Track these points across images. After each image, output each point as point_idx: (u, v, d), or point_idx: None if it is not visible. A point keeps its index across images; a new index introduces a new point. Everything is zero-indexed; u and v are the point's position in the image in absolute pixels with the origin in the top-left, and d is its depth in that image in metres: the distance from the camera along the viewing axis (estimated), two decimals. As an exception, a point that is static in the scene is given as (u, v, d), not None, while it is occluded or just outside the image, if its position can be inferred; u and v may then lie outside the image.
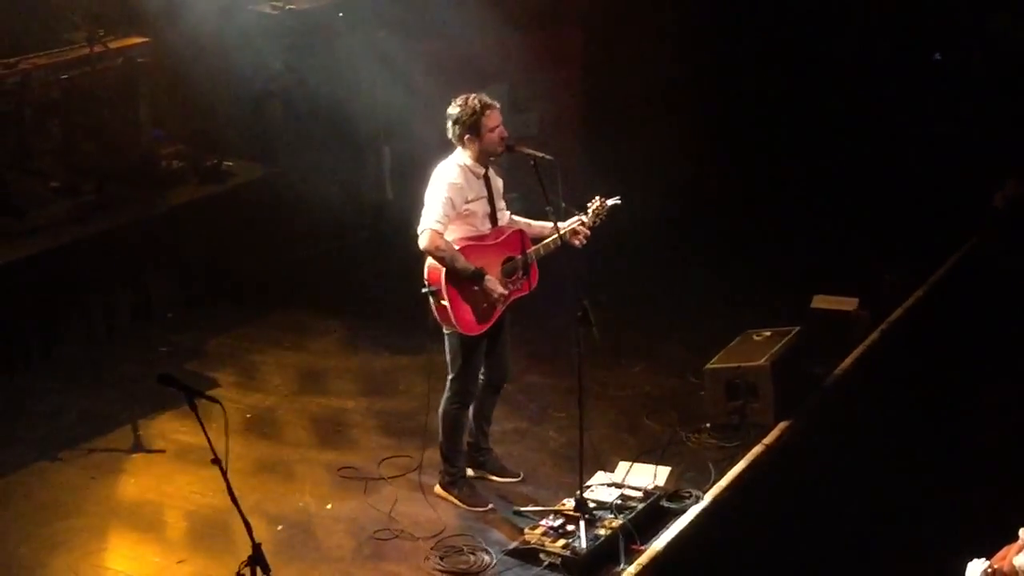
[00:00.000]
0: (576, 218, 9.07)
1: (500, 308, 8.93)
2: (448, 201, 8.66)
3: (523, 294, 9.07)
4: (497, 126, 8.77)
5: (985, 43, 15.56)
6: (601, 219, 9.16)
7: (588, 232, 9.07)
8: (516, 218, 9.15)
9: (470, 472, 9.45)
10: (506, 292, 8.87)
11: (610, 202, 9.17)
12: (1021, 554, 6.83)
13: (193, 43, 12.00)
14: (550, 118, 13.88)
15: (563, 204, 8.92)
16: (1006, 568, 6.86)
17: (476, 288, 8.74)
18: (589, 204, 9.15)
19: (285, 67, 12.63)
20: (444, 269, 8.66)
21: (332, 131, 12.92)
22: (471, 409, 9.30)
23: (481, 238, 8.87)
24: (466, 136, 8.75)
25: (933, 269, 12.80)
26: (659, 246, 12.79)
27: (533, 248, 9.01)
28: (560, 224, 8.91)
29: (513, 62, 13.42)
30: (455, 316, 8.74)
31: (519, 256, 8.97)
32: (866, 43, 15.60)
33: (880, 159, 14.65)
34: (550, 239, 8.94)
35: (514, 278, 8.99)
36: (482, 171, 8.85)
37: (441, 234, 8.64)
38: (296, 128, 12.72)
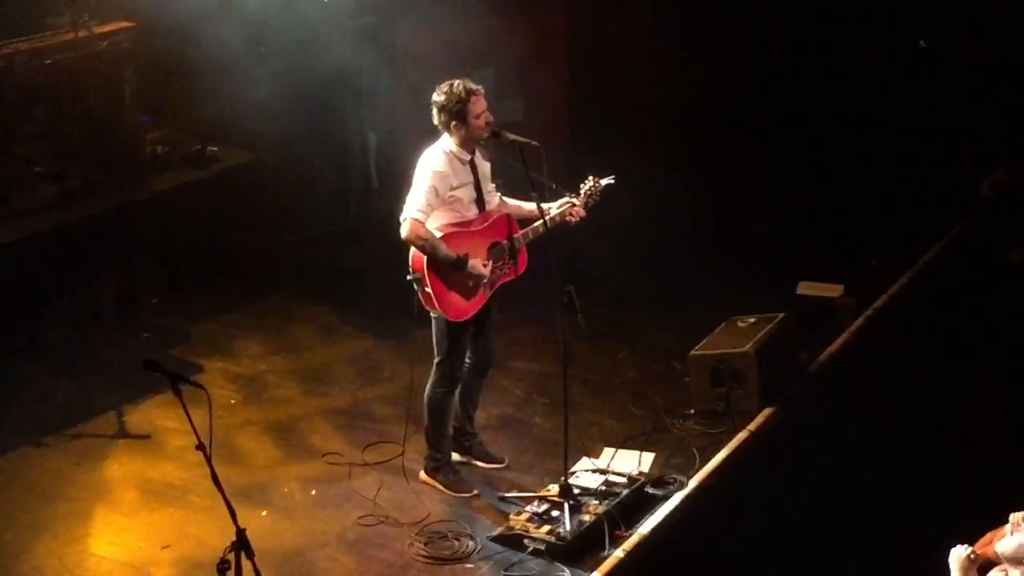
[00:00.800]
0: (566, 200, 9.07)
1: (486, 293, 8.93)
2: (431, 189, 8.65)
3: (510, 278, 9.07)
4: (482, 112, 8.75)
5: (972, 30, 15.55)
6: (595, 199, 9.16)
7: (583, 213, 9.08)
8: (507, 200, 9.14)
9: (455, 457, 9.45)
10: (489, 276, 8.86)
11: (604, 181, 9.17)
12: (1004, 540, 6.84)
13: (178, 27, 11.97)
14: (535, 104, 13.86)
15: (553, 186, 8.92)
16: (989, 554, 6.88)
17: (460, 274, 8.74)
18: (582, 184, 9.15)
19: (270, 52, 12.58)
20: (426, 257, 8.65)
21: (317, 117, 12.90)
22: (457, 394, 9.30)
23: (467, 224, 8.86)
24: (452, 123, 8.73)
25: (919, 256, 12.81)
26: (644, 232, 12.77)
27: (521, 232, 9.01)
28: (549, 206, 8.93)
29: (498, 48, 13.41)
30: (440, 302, 8.74)
31: (506, 241, 8.97)
32: (853, 30, 15.59)
33: (867, 145, 14.65)
34: (538, 223, 8.93)
35: (501, 263, 8.98)
36: (468, 157, 8.84)
37: (422, 223, 8.62)
38: (281, 114, 12.68)
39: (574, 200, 9.08)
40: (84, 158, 11.83)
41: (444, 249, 8.67)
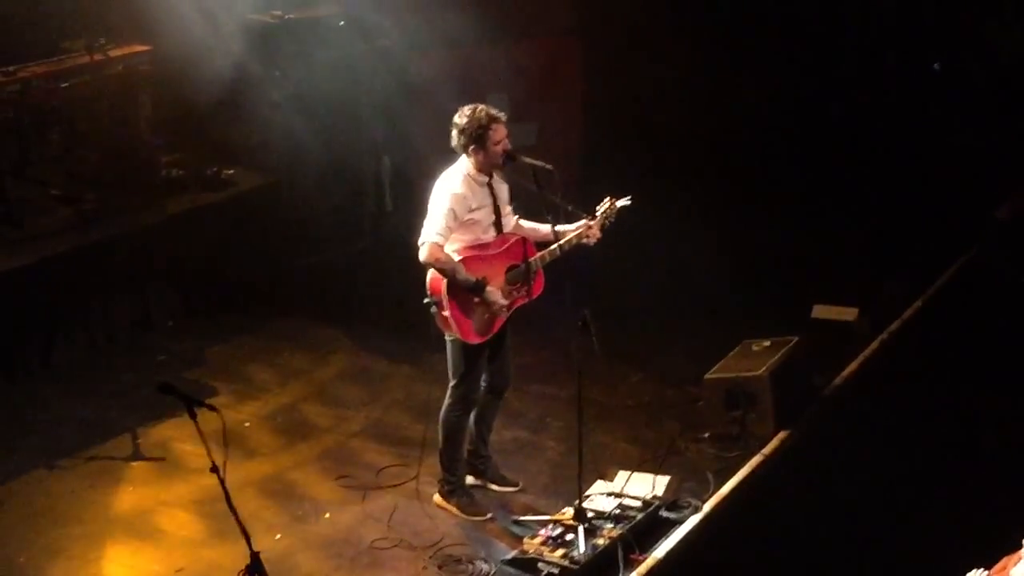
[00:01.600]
0: (582, 222, 9.06)
1: (503, 317, 8.93)
2: (450, 212, 8.65)
3: (526, 301, 9.06)
4: (502, 140, 8.74)
5: (986, 54, 15.56)
6: (612, 220, 9.15)
7: (599, 234, 9.07)
8: (523, 223, 9.14)
9: (469, 480, 9.45)
10: (506, 303, 8.87)
11: (620, 203, 9.18)
12: (1019, 566, 6.82)
13: (194, 51, 12.00)
14: (549, 128, 13.88)
15: (569, 208, 8.91)
16: (1004, 579, 6.86)
17: (477, 300, 8.75)
18: (598, 206, 9.14)
19: (285, 76, 12.62)
20: (445, 280, 8.66)
21: (332, 141, 12.92)
22: (472, 416, 9.30)
23: (484, 247, 8.87)
24: (471, 146, 8.74)
25: (934, 280, 12.80)
26: (659, 256, 12.76)
27: (538, 255, 9.00)
28: (566, 228, 8.94)
29: (513, 72, 13.44)
30: (457, 326, 8.75)
31: (523, 264, 8.97)
32: (869, 54, 15.60)
33: (882, 169, 14.65)
34: (555, 246, 8.94)
35: (518, 286, 8.98)
36: (485, 179, 8.84)
37: (441, 247, 8.63)
38: (296, 137, 12.71)
39: (590, 222, 9.08)
40: (99, 181, 11.87)
41: (463, 273, 8.67)
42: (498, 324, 8.92)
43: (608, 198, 9.18)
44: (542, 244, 9.05)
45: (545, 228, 8.99)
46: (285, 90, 12.67)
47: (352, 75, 12.65)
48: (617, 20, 14.46)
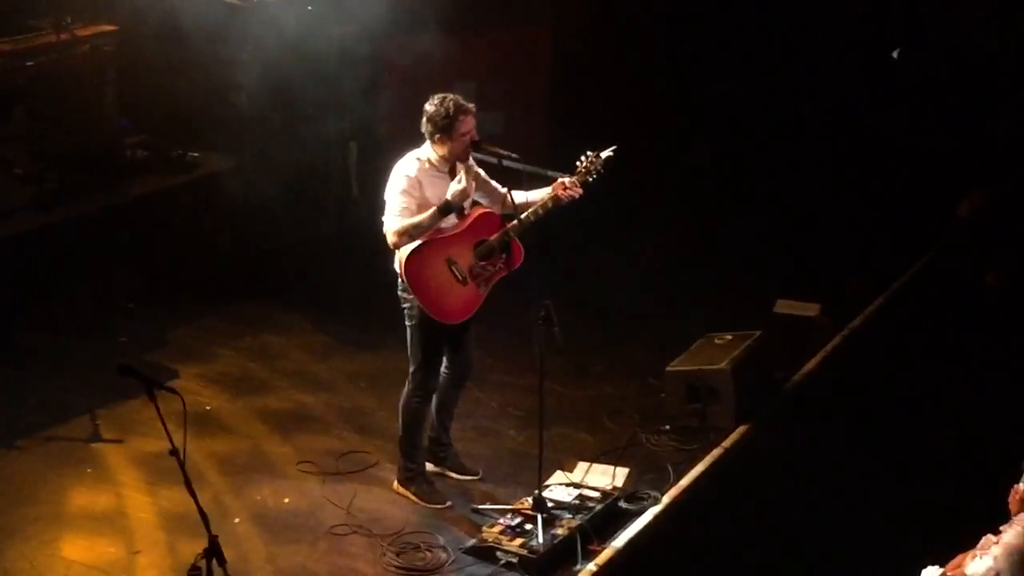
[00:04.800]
0: (558, 182, 8.87)
1: (482, 292, 8.88)
2: (406, 195, 8.64)
3: (504, 274, 8.98)
4: (469, 131, 8.71)
5: (951, 51, 15.61)
6: (597, 173, 8.96)
7: (579, 190, 8.85)
8: (517, 194, 8.89)
9: (430, 467, 9.45)
10: (469, 187, 8.77)
11: (604, 154, 9.00)
12: (975, 562, 6.86)
13: (160, 33, 11.96)
14: (516, 117, 13.87)
15: (549, 173, 8.83)
16: None
17: (449, 214, 8.67)
18: (578, 161, 8.97)
19: (252, 58, 12.57)
20: (403, 265, 8.63)
21: (298, 125, 12.88)
22: (433, 404, 9.30)
23: (441, 231, 8.81)
24: (436, 135, 8.72)
25: (896, 277, 12.85)
26: (622, 247, 12.77)
27: (511, 225, 8.88)
28: (535, 193, 8.85)
29: (480, 60, 13.41)
30: (429, 307, 8.74)
31: (493, 237, 8.92)
32: (833, 50, 15.63)
33: (845, 166, 14.69)
34: (526, 213, 8.80)
35: (492, 259, 8.93)
36: (444, 170, 8.81)
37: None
38: (262, 121, 12.67)
39: (565, 180, 8.86)
40: (63, 161, 11.81)
41: (421, 216, 8.62)
42: (477, 300, 8.89)
43: (589, 152, 9.00)
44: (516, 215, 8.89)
45: (535, 194, 8.89)
46: (252, 73, 12.61)
47: (320, 60, 12.60)
48: (587, 10, 14.45)
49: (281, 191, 12.64)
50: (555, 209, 8.87)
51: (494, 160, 8.81)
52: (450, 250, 8.78)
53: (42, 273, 11.32)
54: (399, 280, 8.81)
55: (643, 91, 14.61)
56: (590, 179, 8.97)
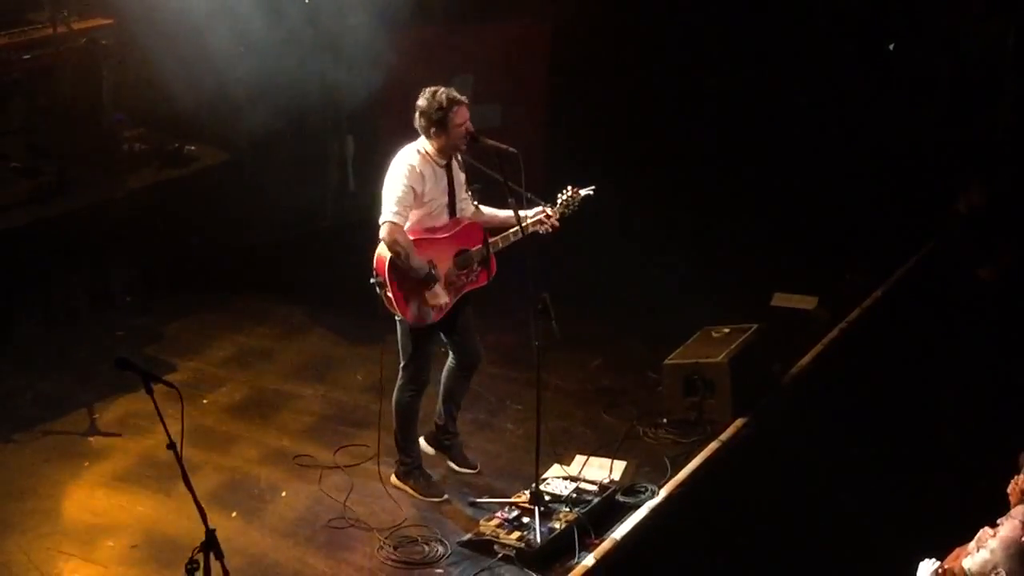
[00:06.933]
0: (540, 208, 9.03)
1: (451, 300, 8.91)
2: (408, 189, 8.62)
3: (480, 285, 9.05)
4: (464, 123, 8.71)
5: (949, 46, 15.61)
6: (573, 209, 9.11)
7: (556, 223, 9.02)
8: (484, 208, 9.09)
9: (433, 452, 9.48)
10: (448, 302, 8.85)
11: (583, 192, 9.14)
12: (970, 557, 6.86)
13: (157, 26, 11.94)
14: (514, 110, 13.86)
15: (528, 195, 8.89)
16: (956, 569, 6.90)
17: (423, 288, 8.74)
18: (560, 194, 9.11)
19: (249, 52, 12.56)
20: (388, 261, 8.62)
21: (295, 119, 12.87)
22: (441, 393, 9.31)
23: (433, 230, 8.83)
24: (431, 129, 8.70)
25: (893, 270, 12.85)
26: (620, 240, 12.77)
27: (493, 240, 8.98)
28: (525, 214, 8.89)
29: (478, 53, 13.41)
30: (400, 308, 8.73)
31: (474, 249, 8.94)
32: (832, 42, 15.62)
33: (845, 159, 14.68)
34: (510, 231, 8.92)
35: (468, 270, 8.96)
36: (443, 162, 8.82)
37: (400, 227, 8.59)
38: (259, 115, 12.66)
39: (548, 209, 9.04)
40: (60, 154, 11.81)
41: (417, 260, 8.64)
42: (443, 311, 8.89)
43: (570, 187, 9.14)
44: (496, 231, 9.02)
45: (504, 214, 8.95)
46: (249, 67, 12.60)
47: (317, 53, 12.59)
48: (585, 7, 14.43)
49: (278, 185, 12.64)
50: (530, 237, 8.92)
51: (489, 170, 8.80)
52: (433, 253, 8.78)
53: (39, 267, 11.32)
54: (373, 272, 8.77)
55: (639, 84, 14.60)
56: (566, 212, 9.08)
